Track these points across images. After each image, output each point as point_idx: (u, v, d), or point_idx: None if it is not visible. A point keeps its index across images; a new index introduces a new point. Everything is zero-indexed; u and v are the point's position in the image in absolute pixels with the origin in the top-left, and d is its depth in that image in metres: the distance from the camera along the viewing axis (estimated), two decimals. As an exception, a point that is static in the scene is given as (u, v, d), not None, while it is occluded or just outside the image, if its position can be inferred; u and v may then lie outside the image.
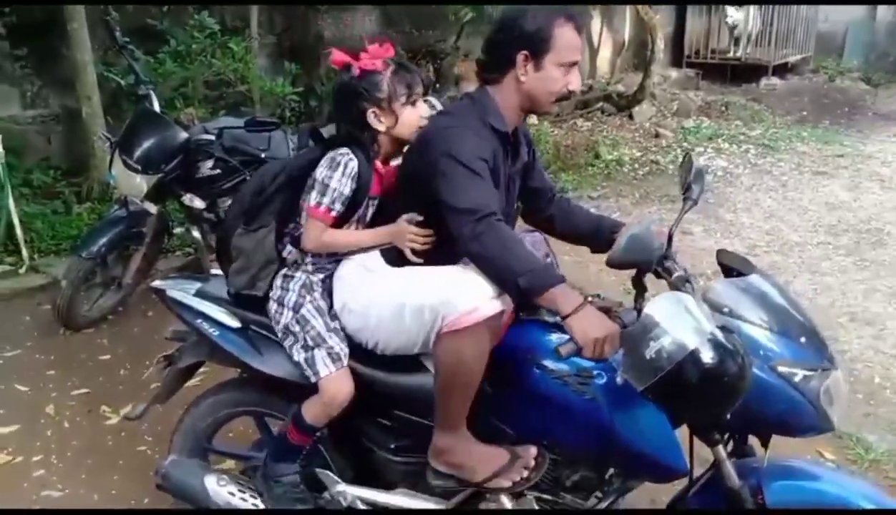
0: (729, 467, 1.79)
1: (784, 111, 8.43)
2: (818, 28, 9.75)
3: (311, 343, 1.98)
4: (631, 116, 7.73)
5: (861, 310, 4.15)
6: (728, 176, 6.45)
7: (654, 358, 1.59)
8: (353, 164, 1.95)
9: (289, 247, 2.07)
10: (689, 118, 7.93)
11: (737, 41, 9.24)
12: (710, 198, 5.83)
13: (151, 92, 3.87)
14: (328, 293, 2.06)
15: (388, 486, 2.11)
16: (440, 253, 1.92)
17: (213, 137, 3.65)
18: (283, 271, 2.07)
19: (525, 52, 1.92)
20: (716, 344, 1.58)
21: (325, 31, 6.49)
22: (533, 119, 7.40)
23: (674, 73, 9.03)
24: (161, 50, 5.36)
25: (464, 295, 1.80)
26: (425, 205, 1.89)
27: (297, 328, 2.00)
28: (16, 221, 4.34)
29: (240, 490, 2.18)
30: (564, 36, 1.92)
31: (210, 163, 3.69)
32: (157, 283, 2.28)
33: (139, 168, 3.59)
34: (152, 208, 3.73)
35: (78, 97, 4.88)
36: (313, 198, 1.97)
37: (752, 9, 9.05)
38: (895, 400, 3.39)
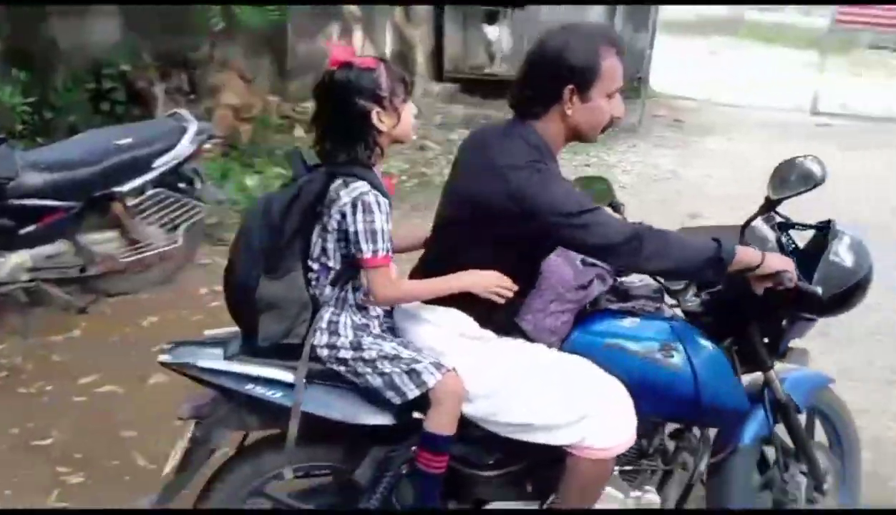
0: (778, 383, 2.27)
1: (539, 124, 8.96)
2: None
3: (394, 368, 1.91)
4: (398, 129, 7.79)
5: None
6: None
7: (854, 269, 2.13)
8: (384, 200, 1.89)
9: (325, 288, 1.97)
10: (453, 131, 8.14)
11: (492, 57, 9.69)
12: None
13: None
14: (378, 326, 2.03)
15: (477, 504, 2.12)
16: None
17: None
18: (327, 317, 1.96)
19: (571, 86, 1.92)
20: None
21: (60, 37, 5.84)
22: (300, 131, 7.23)
23: (436, 87, 9.25)
24: None
25: (611, 431, 1.96)
26: (500, 243, 1.93)
27: (369, 357, 1.93)
28: None
29: None
30: (610, 65, 1.93)
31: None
32: (167, 358, 1.98)
33: None
34: None
35: None
36: (367, 249, 1.87)
37: (506, 28, 9.53)
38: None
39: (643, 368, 2.04)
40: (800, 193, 2.12)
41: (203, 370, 1.95)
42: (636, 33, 10.09)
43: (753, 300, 2.06)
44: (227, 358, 1.97)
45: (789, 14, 21.14)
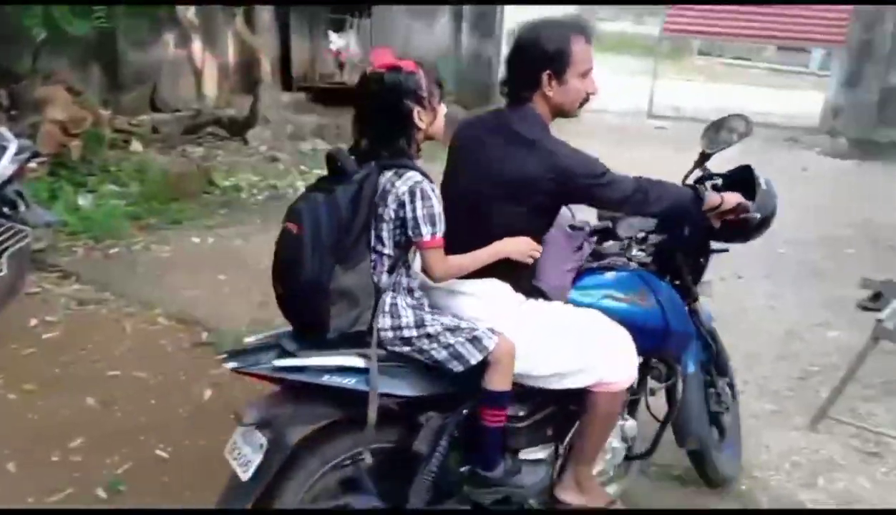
0: (703, 311, 2.77)
1: (391, 132, 8.84)
2: (414, 54, 10.43)
3: (458, 339, 2.09)
4: (245, 141, 7.51)
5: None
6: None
7: (772, 200, 2.59)
8: (434, 185, 2.07)
9: (382, 275, 2.09)
10: (304, 141, 7.94)
11: (341, 66, 9.54)
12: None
13: None
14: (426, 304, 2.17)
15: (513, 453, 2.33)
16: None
17: None
18: (388, 301, 2.09)
19: (548, 71, 2.20)
20: None
21: None
22: (137, 146, 6.85)
23: (285, 97, 8.98)
24: None
25: (622, 368, 2.30)
26: (532, 211, 2.21)
27: (433, 332, 2.09)
28: None
29: None
30: (580, 49, 2.22)
31: None
32: (236, 365, 2.04)
33: None
34: None
35: None
36: (426, 232, 2.04)
37: (353, 37, 9.42)
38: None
39: (632, 312, 2.39)
40: (730, 145, 2.56)
41: (279, 369, 2.02)
42: (483, 41, 10.29)
43: (691, 241, 2.68)
44: (295, 355, 2.03)
45: (625, 23, 22.34)
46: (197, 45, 8.13)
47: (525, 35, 2.27)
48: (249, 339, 2.13)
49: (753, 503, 2.97)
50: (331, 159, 2.08)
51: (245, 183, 6.56)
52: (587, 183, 2.20)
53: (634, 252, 2.61)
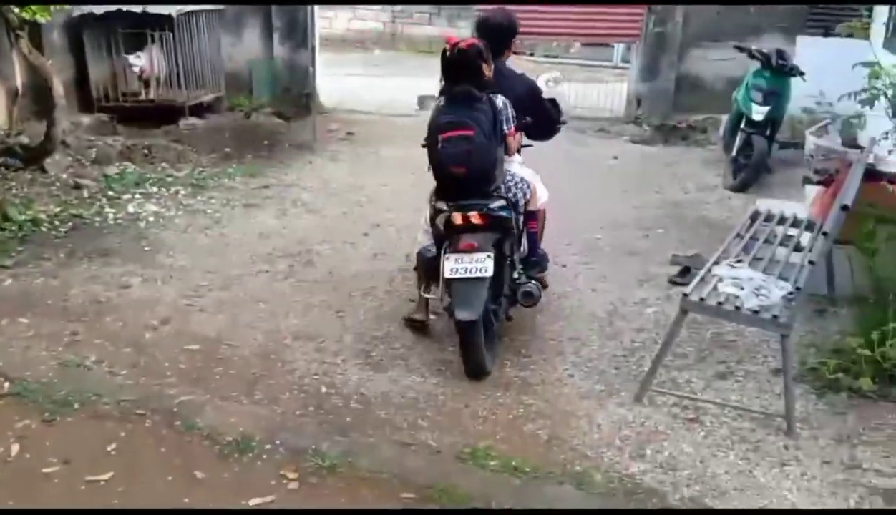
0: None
1: (208, 150, 8.36)
2: (225, 67, 10.08)
3: (523, 185, 4.12)
4: (43, 169, 6.86)
5: (303, 327, 4.33)
6: (161, 220, 6.15)
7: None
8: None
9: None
10: (111, 165, 7.36)
11: (146, 84, 8.99)
12: (147, 246, 5.51)
13: None
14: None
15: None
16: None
17: None
18: (504, 167, 4.00)
19: (514, 37, 4.28)
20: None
21: None
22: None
23: (86, 120, 8.31)
24: None
25: (546, 196, 4.37)
26: (528, 114, 4.14)
27: (519, 180, 4.12)
28: None
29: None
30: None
31: None
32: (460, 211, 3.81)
33: None
34: None
35: None
36: (513, 125, 3.96)
37: (155, 52, 8.89)
38: (340, 403, 3.58)
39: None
40: (553, 90, 4.66)
41: (495, 209, 3.83)
42: (296, 52, 10.08)
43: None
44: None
45: (438, 28, 22.72)
46: (-24, 70, 7.38)
47: (499, 18, 4.25)
48: (440, 205, 3.84)
49: (589, 481, 3.06)
50: (459, 92, 3.71)
51: (45, 215, 5.98)
52: (542, 100, 4.26)
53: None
